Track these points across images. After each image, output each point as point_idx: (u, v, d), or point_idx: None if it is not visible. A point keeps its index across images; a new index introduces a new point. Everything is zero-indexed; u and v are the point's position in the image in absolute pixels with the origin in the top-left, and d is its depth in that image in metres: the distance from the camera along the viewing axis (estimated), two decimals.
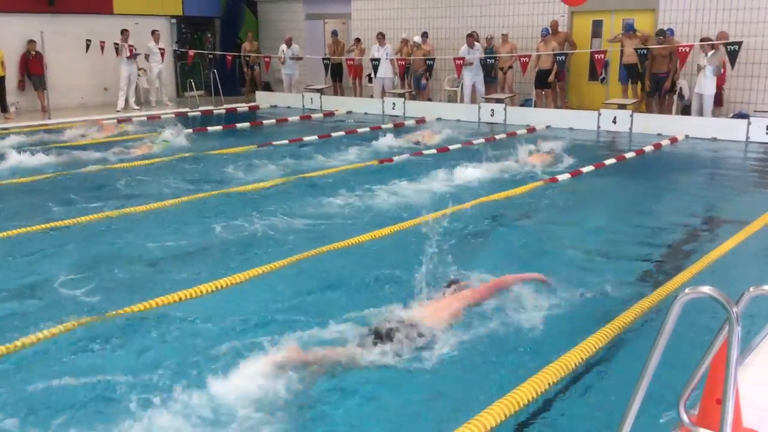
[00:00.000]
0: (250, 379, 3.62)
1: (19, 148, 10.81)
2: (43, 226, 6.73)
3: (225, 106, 17.40)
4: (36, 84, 16.52)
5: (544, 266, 5.35)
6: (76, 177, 9.22)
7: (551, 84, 15.00)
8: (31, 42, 16.25)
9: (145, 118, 15.82)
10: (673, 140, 12.14)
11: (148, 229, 6.72)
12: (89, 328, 4.41)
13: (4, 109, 15.78)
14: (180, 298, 4.88)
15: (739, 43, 11.98)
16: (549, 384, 3.65)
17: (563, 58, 14.19)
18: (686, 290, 2.45)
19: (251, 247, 6.15)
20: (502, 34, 15.50)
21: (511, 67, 15.13)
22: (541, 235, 6.58)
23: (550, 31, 14.83)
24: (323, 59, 17.84)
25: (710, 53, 12.61)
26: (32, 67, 16.43)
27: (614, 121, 13.49)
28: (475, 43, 15.54)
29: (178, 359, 3.97)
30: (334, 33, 18.43)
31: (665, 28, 13.51)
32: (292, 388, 3.60)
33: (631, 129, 13.14)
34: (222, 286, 5.10)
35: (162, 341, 4.29)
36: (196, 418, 3.37)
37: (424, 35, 16.76)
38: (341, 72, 18.12)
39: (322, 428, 3.38)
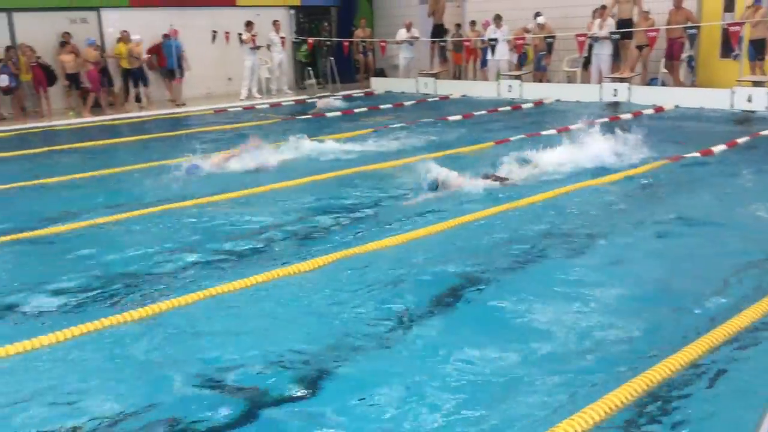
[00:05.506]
0: None
1: None
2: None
3: (342, 93, 17.68)
4: (164, 75, 17.32)
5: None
6: None
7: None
8: (167, 36, 16.93)
9: (267, 106, 16.30)
10: None
11: None
12: None
13: (138, 99, 16.69)
14: None
15: None
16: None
17: (695, 31, 13.41)
18: None
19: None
20: (643, 11, 14.68)
21: (647, 44, 14.32)
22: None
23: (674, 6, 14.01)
24: (440, 42, 17.78)
25: None
26: (161, 59, 17.21)
27: (749, 100, 12.65)
28: (609, 18, 14.85)
29: None
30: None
31: None
32: None
33: None
34: None
35: None
36: None
37: (538, 15, 16.14)
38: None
39: None
